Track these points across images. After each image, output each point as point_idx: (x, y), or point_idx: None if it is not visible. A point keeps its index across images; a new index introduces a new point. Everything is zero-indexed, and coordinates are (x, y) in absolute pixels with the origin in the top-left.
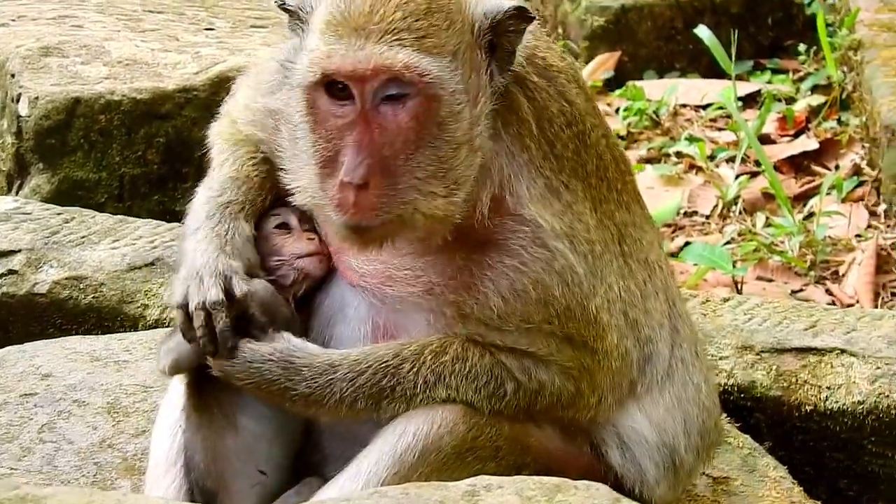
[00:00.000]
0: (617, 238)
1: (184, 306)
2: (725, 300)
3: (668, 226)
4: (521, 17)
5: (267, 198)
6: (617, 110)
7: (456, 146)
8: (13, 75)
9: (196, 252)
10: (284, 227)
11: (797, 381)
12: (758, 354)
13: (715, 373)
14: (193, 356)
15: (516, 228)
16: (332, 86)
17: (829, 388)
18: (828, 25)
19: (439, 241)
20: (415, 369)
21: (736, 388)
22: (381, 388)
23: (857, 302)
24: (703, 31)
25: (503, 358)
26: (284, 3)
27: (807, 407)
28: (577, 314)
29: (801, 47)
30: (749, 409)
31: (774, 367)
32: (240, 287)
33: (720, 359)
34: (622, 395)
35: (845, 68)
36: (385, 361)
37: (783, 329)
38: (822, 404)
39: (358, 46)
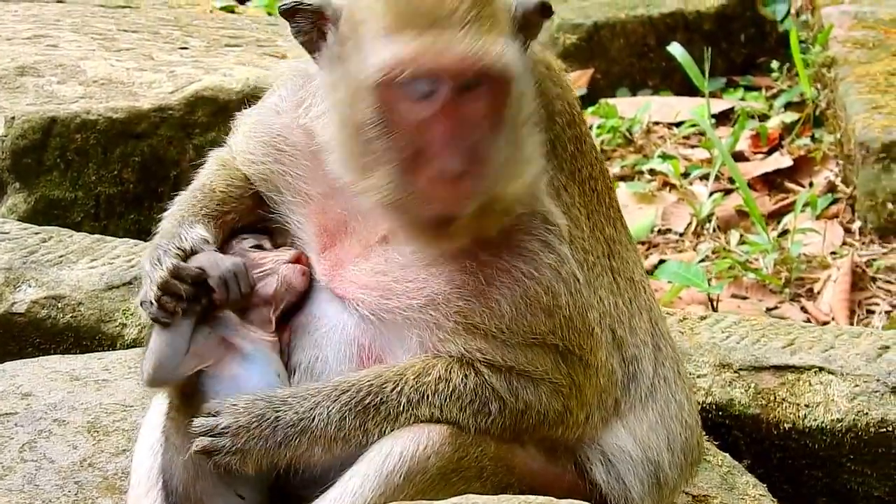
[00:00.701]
0: (607, 253)
1: (144, 302)
2: (703, 318)
3: (642, 243)
4: (545, 11)
5: (232, 215)
6: (590, 128)
7: (525, 126)
8: None
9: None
10: (258, 247)
11: (775, 398)
12: (736, 372)
13: (693, 391)
14: (175, 357)
15: (532, 226)
16: (415, 82)
17: (807, 405)
18: (801, 42)
19: (493, 233)
20: (398, 388)
21: (714, 406)
22: (366, 407)
23: (833, 319)
24: (676, 49)
25: (490, 378)
26: (300, 4)
27: (785, 425)
28: (577, 325)
29: (774, 64)
30: (727, 427)
31: (753, 385)
32: (167, 261)
33: (698, 377)
34: (608, 413)
35: (819, 85)
36: (368, 381)
37: (761, 347)
38: (800, 422)
39: (446, 40)
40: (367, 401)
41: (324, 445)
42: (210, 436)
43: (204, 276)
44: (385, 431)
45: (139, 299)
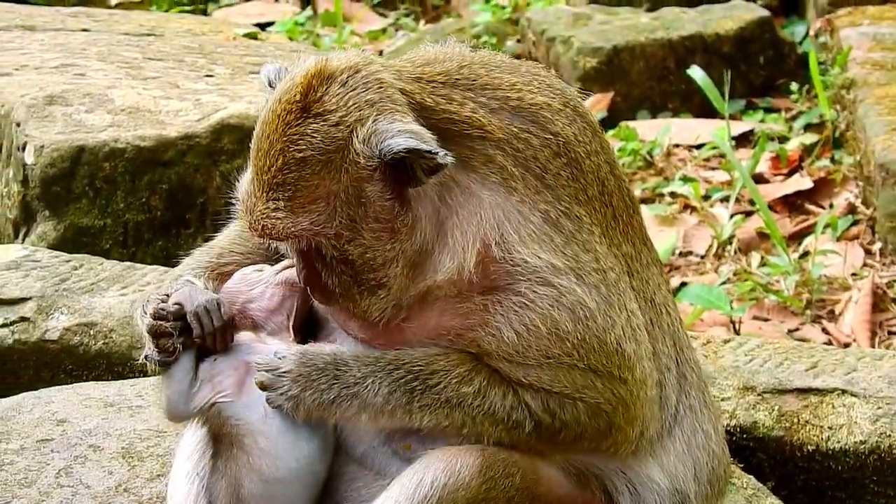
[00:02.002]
0: (626, 271)
1: (147, 355)
2: (726, 341)
3: (664, 266)
4: (414, 154)
5: (232, 266)
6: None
7: (362, 260)
8: (18, 124)
9: None
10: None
11: (799, 421)
12: (759, 395)
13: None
14: (183, 391)
15: (512, 271)
16: None
17: (830, 428)
18: (820, 64)
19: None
20: (441, 385)
21: (738, 429)
22: (413, 389)
23: (854, 341)
24: (696, 72)
25: (527, 398)
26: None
27: (809, 447)
28: (595, 347)
29: (794, 86)
30: (751, 450)
31: (776, 408)
32: (149, 308)
33: (722, 400)
34: (662, 425)
35: (838, 107)
36: (419, 366)
37: (784, 369)
38: (823, 444)
39: (251, 204)
40: (415, 384)
41: (371, 414)
42: (271, 374)
43: (184, 311)
44: (425, 419)
45: (143, 355)
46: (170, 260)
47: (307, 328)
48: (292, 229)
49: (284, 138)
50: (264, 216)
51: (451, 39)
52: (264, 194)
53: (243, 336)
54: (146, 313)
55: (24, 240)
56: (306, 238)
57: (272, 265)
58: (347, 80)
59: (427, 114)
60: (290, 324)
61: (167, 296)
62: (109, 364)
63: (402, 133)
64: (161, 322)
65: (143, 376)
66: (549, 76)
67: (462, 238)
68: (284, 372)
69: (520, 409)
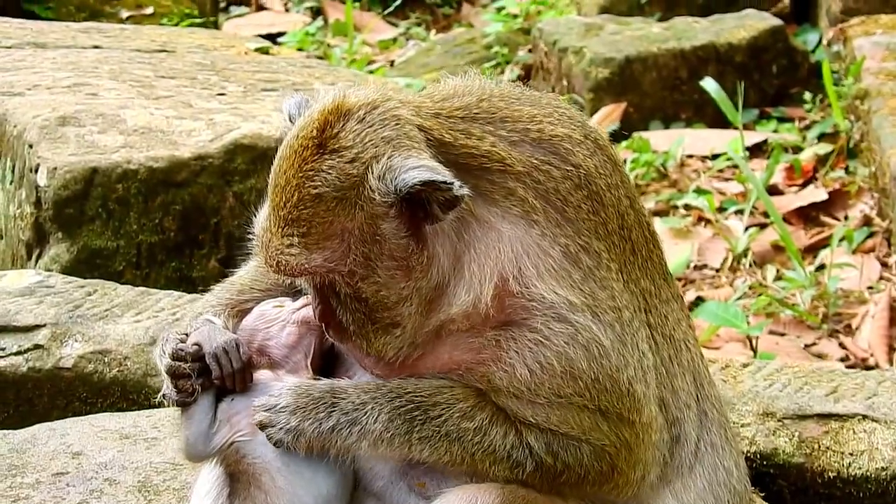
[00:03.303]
0: (643, 307)
1: (165, 394)
2: (745, 365)
3: (678, 279)
4: (430, 193)
5: (252, 304)
6: (623, 162)
7: (375, 298)
8: (31, 145)
9: None
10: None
11: (819, 447)
12: (779, 421)
13: (738, 440)
14: (202, 432)
15: (528, 306)
16: None
17: (851, 454)
18: (833, 73)
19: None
20: (441, 418)
21: (758, 456)
22: (413, 418)
23: (872, 356)
24: (709, 84)
25: (530, 438)
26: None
27: (830, 474)
28: (607, 387)
29: (807, 95)
30: (772, 477)
31: (796, 434)
32: (168, 348)
33: (742, 426)
34: (665, 470)
35: (852, 117)
36: (421, 398)
37: (804, 395)
38: (845, 471)
39: (266, 240)
40: (416, 413)
41: (371, 442)
42: (269, 412)
43: (202, 352)
44: (425, 452)
45: (161, 393)
46: (183, 282)
47: (326, 366)
48: (306, 266)
49: (300, 174)
50: (279, 252)
51: (472, 72)
52: (279, 230)
53: (262, 374)
54: (165, 353)
55: (36, 262)
56: (320, 275)
57: (294, 300)
58: (365, 117)
59: (446, 149)
60: (308, 362)
61: (186, 335)
62: (124, 392)
63: (417, 168)
64: (180, 363)
65: (159, 407)
66: (569, 108)
67: (479, 271)
68: (282, 407)
69: (521, 450)
